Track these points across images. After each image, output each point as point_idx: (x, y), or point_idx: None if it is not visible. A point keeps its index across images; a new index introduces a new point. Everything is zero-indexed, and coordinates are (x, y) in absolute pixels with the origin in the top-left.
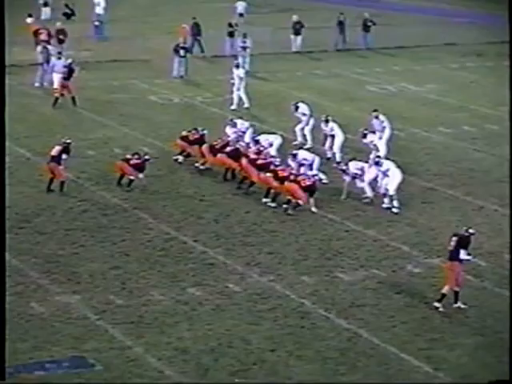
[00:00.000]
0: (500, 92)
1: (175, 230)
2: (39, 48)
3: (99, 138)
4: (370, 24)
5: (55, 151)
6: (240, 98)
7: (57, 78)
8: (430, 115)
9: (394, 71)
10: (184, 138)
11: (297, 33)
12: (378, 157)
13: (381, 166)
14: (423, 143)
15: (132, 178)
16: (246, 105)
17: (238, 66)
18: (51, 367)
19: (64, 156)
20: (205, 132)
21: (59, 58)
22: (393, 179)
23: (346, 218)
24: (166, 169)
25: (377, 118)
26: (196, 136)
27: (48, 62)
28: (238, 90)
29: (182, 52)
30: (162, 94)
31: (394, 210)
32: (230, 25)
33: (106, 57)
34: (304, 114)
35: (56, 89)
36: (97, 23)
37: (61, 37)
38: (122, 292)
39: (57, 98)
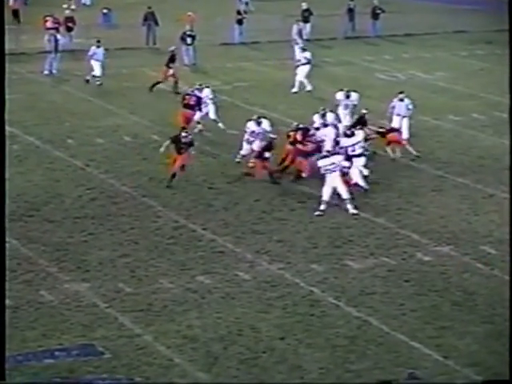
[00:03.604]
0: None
1: (184, 218)
2: (47, 36)
3: (108, 126)
4: (378, 11)
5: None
6: (301, 82)
7: (96, 66)
8: (440, 103)
9: (403, 59)
10: (186, 106)
11: (306, 20)
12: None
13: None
14: (433, 131)
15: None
16: (308, 87)
17: (304, 49)
18: (60, 355)
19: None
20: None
21: (98, 47)
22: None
23: (355, 205)
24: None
25: (402, 100)
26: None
27: (56, 49)
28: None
29: (188, 40)
30: (170, 82)
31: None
32: (239, 12)
33: (115, 45)
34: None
35: (99, 77)
36: (105, 11)
37: (69, 24)
38: (131, 280)
39: (158, 83)
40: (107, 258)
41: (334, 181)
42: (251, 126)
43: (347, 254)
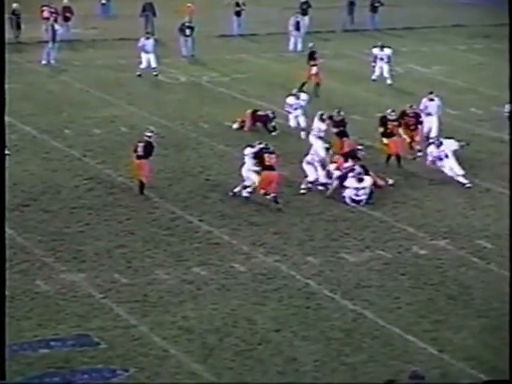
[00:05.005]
0: (507, 74)
1: (181, 210)
2: (44, 26)
3: (105, 117)
4: (377, 4)
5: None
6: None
7: (148, 58)
8: (438, 97)
9: (402, 52)
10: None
11: (304, 13)
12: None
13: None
14: None
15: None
16: (389, 81)
17: (382, 47)
18: (56, 345)
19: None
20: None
21: (148, 38)
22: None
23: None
24: (172, 148)
25: (432, 100)
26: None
27: (54, 39)
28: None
29: (187, 31)
30: (168, 73)
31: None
32: (237, 4)
33: (113, 35)
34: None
35: (154, 68)
36: (103, 1)
37: (67, 14)
38: (127, 271)
39: (304, 84)
40: (103, 248)
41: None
42: (319, 151)
43: (343, 247)
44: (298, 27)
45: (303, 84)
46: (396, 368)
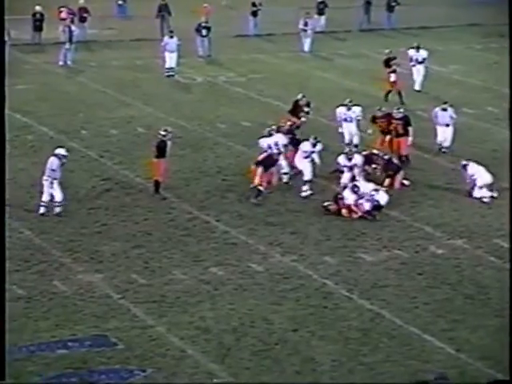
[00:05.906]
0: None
1: (198, 210)
2: (61, 27)
3: (122, 117)
4: (394, 4)
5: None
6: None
7: (169, 57)
8: (454, 96)
9: None
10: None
11: (320, 13)
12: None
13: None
14: None
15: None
16: (417, 87)
17: (418, 48)
18: (73, 346)
19: None
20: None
21: (171, 37)
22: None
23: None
24: (188, 148)
25: (445, 110)
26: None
27: (71, 40)
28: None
29: (204, 31)
30: (185, 74)
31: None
32: (254, 4)
33: (130, 36)
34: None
35: (168, 68)
36: (120, 2)
37: (83, 15)
38: (145, 271)
39: (389, 92)
40: (120, 249)
41: None
42: (342, 160)
43: (360, 247)
44: (306, 26)
45: (388, 92)
46: (413, 368)
